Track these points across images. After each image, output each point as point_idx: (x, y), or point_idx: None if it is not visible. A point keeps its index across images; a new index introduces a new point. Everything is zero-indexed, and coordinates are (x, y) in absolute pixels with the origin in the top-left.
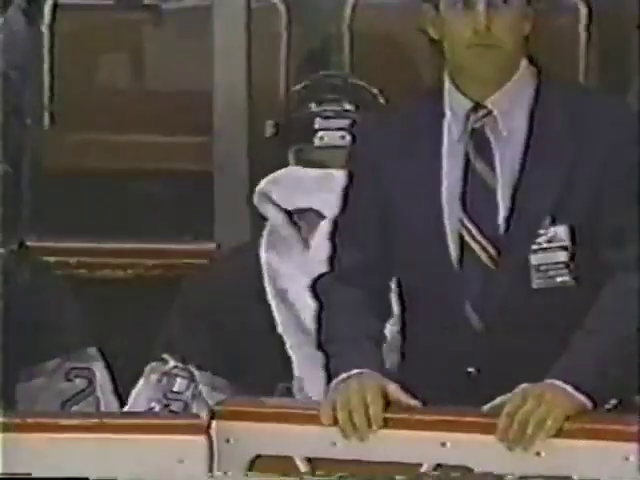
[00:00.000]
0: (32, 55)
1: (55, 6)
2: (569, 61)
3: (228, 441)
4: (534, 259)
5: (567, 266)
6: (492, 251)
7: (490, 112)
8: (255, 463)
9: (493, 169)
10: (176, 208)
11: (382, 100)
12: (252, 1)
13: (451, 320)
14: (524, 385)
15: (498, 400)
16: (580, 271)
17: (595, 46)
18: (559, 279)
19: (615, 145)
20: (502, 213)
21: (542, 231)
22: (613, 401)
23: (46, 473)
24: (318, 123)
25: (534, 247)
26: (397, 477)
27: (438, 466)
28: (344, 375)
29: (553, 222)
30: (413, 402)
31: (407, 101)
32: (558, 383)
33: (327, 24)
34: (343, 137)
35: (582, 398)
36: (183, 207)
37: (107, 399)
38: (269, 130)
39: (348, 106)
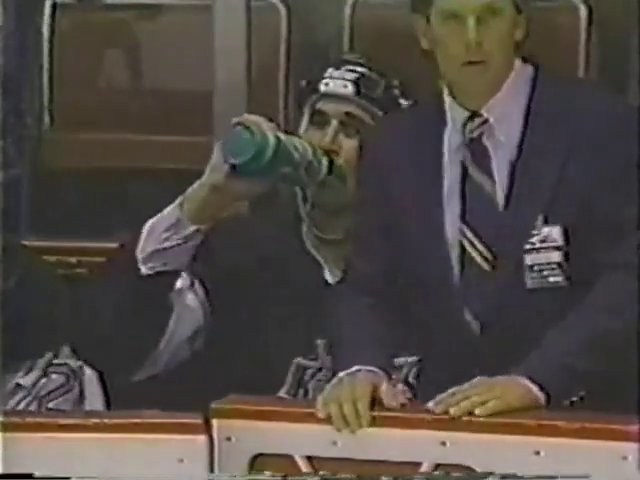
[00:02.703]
0: (31, 54)
1: (54, 6)
2: (569, 61)
3: (229, 439)
4: (528, 259)
5: (560, 266)
6: (490, 256)
7: (486, 120)
8: (256, 462)
9: (491, 176)
10: None
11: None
12: (252, 1)
13: (450, 325)
14: (480, 377)
15: (449, 392)
16: (573, 271)
17: (595, 46)
18: (552, 279)
19: (605, 143)
20: (499, 216)
21: (535, 231)
22: (581, 393)
23: (46, 473)
24: (328, 72)
25: (528, 247)
26: (397, 476)
27: (438, 465)
28: (343, 372)
29: (546, 222)
30: (395, 404)
31: (410, 110)
32: (516, 378)
33: (327, 24)
34: (345, 86)
35: (535, 391)
36: None
37: (93, 402)
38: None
39: (361, 60)
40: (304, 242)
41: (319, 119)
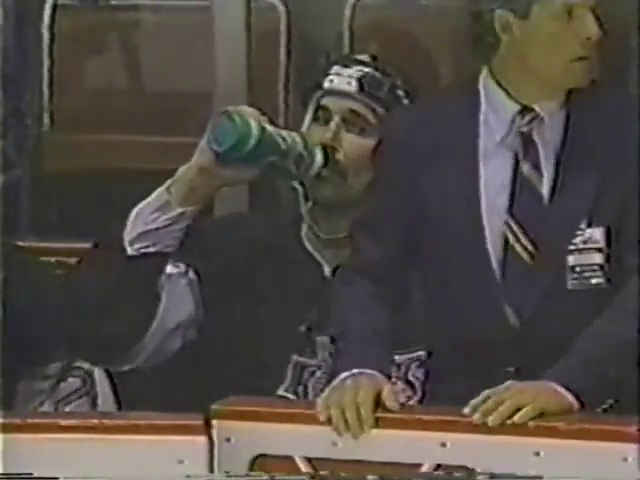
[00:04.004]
0: (31, 55)
1: (55, 6)
2: None
3: (229, 441)
4: (571, 260)
5: (602, 268)
6: (534, 251)
7: (537, 116)
8: (256, 463)
9: (540, 172)
10: None
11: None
12: (252, 1)
13: (489, 319)
14: (512, 381)
15: (482, 395)
16: (614, 273)
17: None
18: (593, 281)
19: None
20: (544, 213)
21: (579, 232)
22: (610, 401)
23: (46, 474)
24: (334, 69)
25: (571, 248)
26: (397, 478)
27: (438, 466)
28: (345, 374)
29: (590, 224)
30: (397, 407)
31: (439, 99)
32: (548, 383)
33: (327, 25)
34: (349, 83)
35: (570, 398)
36: None
37: (105, 404)
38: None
39: (366, 59)
40: (303, 241)
41: (322, 115)
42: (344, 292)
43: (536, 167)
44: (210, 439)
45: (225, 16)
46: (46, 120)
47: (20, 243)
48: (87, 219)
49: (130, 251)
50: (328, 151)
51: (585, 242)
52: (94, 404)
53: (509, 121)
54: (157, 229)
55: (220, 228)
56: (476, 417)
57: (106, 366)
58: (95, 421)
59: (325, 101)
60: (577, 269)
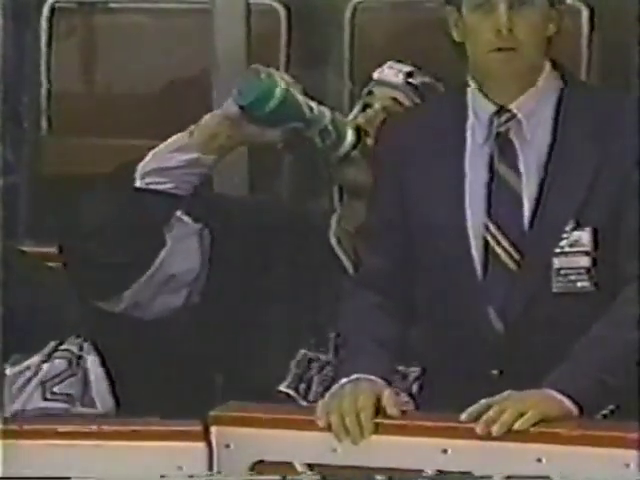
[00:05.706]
0: (29, 59)
1: (53, 10)
2: (570, 63)
3: (228, 447)
4: (557, 262)
5: (588, 271)
6: (516, 255)
7: (514, 116)
8: (255, 469)
9: (518, 173)
10: None
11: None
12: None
13: (473, 323)
14: (512, 390)
15: (480, 405)
16: (601, 277)
17: (597, 48)
18: (579, 284)
19: (636, 151)
20: (527, 216)
21: (565, 235)
22: (610, 407)
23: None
24: (387, 64)
25: (557, 250)
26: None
27: (439, 473)
28: (344, 380)
29: (576, 226)
30: (397, 412)
31: (429, 103)
32: (547, 391)
33: (327, 25)
34: (397, 75)
35: (569, 405)
36: None
37: (98, 387)
38: None
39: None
40: (329, 235)
41: (367, 101)
42: (348, 302)
43: (514, 168)
44: (209, 445)
45: (225, 18)
46: (44, 124)
47: (19, 248)
48: (85, 223)
49: (139, 183)
50: (361, 133)
51: (572, 245)
52: (85, 385)
53: (487, 122)
54: (170, 168)
55: (252, 206)
56: (480, 428)
57: (99, 302)
58: (93, 427)
59: (373, 88)
60: (562, 272)
